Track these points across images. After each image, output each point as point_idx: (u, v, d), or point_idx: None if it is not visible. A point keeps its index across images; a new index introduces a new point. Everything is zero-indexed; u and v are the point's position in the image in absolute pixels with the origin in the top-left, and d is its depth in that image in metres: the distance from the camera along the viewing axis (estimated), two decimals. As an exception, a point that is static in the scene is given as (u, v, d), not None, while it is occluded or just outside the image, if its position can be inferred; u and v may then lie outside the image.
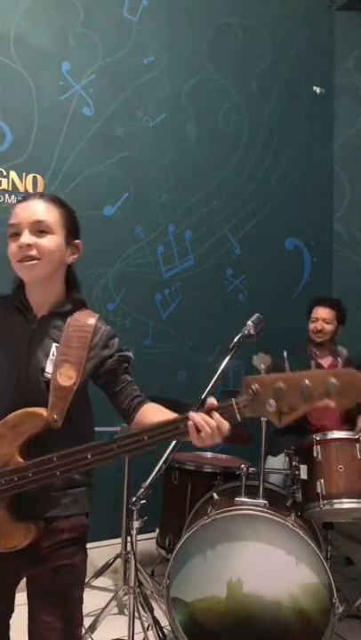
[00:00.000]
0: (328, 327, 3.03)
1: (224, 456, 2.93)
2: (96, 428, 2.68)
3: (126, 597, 2.26)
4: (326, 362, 3.10)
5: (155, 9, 3.22)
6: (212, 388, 2.02)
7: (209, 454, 2.97)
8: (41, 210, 1.35)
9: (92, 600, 2.58)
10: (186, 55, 3.34)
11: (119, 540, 2.71)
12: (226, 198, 3.48)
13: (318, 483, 2.25)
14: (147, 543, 2.88)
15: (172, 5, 3.29)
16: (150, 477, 1.82)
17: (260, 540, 2.05)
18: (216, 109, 3.46)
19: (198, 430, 1.18)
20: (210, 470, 2.61)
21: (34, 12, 2.87)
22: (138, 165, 3.18)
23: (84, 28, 3.01)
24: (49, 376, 1.31)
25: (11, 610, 1.40)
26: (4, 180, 2.79)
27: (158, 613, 2.21)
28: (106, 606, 2.32)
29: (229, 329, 2.16)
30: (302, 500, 2.29)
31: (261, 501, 2.12)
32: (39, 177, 2.88)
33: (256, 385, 1.13)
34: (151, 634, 2.17)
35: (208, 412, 1.19)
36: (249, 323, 2.11)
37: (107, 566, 2.64)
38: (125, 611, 2.45)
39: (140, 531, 1.88)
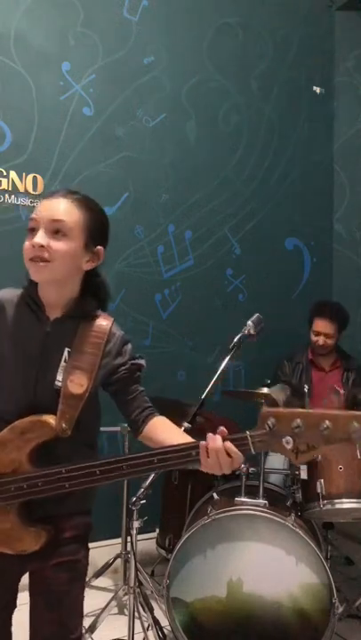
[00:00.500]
0: (330, 341, 3.02)
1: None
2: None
3: (126, 597, 2.26)
4: (327, 364, 3.10)
5: (155, 9, 3.22)
6: (212, 387, 2.02)
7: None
8: (62, 209, 1.28)
9: (92, 600, 2.57)
10: (186, 55, 3.34)
11: (119, 540, 2.71)
12: (226, 198, 3.48)
13: (318, 483, 2.25)
14: (147, 543, 2.88)
15: (171, 5, 3.29)
16: (150, 477, 1.82)
17: (260, 540, 2.05)
18: (216, 109, 3.46)
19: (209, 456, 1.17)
20: (210, 470, 2.61)
21: (34, 12, 2.87)
22: (138, 165, 3.18)
23: (84, 27, 3.01)
24: (60, 383, 1.28)
25: (13, 605, 1.40)
26: (4, 180, 2.79)
27: (158, 613, 2.21)
28: (106, 606, 2.32)
29: (229, 329, 2.16)
30: (302, 500, 2.29)
31: (261, 501, 2.12)
32: (39, 177, 2.88)
33: (273, 419, 1.10)
34: (151, 634, 2.17)
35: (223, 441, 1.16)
36: (249, 323, 2.12)
37: (107, 566, 2.64)
38: (125, 611, 2.45)
39: (140, 531, 1.88)
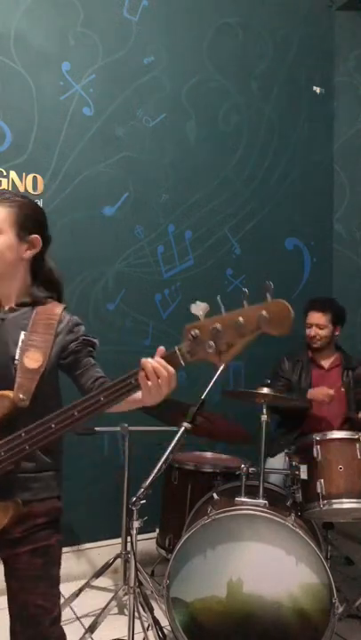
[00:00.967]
0: (322, 332, 3.01)
1: (224, 456, 2.93)
2: (96, 428, 2.69)
3: (126, 597, 2.26)
4: (327, 362, 3.10)
5: (155, 9, 3.22)
6: (213, 387, 2.02)
7: (209, 454, 2.97)
8: None
9: (92, 600, 2.58)
10: (186, 55, 3.34)
11: (119, 540, 2.70)
12: (226, 198, 3.48)
13: (318, 483, 2.25)
14: (147, 543, 2.88)
15: (171, 5, 3.29)
16: (150, 477, 1.81)
17: (260, 540, 2.05)
18: (216, 109, 3.46)
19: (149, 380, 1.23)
20: (210, 470, 2.61)
21: (34, 12, 2.87)
22: (138, 165, 3.18)
23: (84, 27, 3.01)
24: (17, 362, 1.39)
25: None
26: (4, 180, 2.79)
27: (158, 613, 2.21)
28: (106, 606, 2.32)
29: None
30: (302, 500, 2.30)
31: (261, 501, 2.13)
32: (39, 177, 2.88)
33: (196, 330, 1.18)
34: (151, 634, 2.17)
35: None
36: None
37: (107, 566, 2.63)
38: (125, 611, 2.45)
39: (140, 531, 1.88)
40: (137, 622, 2.04)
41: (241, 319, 1.12)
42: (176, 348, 1.23)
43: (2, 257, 1.41)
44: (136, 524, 1.86)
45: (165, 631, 2.16)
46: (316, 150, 3.86)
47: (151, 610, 2.18)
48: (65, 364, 1.47)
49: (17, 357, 1.39)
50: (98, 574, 2.63)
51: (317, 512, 2.26)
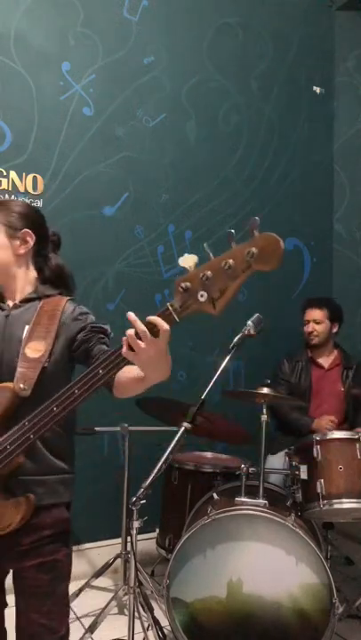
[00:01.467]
0: (319, 327, 3.03)
1: (224, 456, 2.93)
2: (96, 429, 2.68)
3: (126, 597, 2.26)
4: (326, 362, 3.10)
5: (155, 9, 3.22)
6: (213, 387, 2.02)
7: (209, 454, 2.97)
8: None
9: (92, 600, 2.58)
10: (186, 55, 3.34)
11: (119, 540, 2.70)
12: (226, 198, 3.48)
13: (318, 483, 2.24)
14: (147, 543, 2.88)
15: (171, 5, 3.29)
16: (150, 477, 1.81)
17: (260, 540, 2.05)
18: (216, 109, 3.46)
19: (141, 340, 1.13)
20: (210, 470, 2.61)
21: (34, 12, 2.87)
22: (138, 165, 3.18)
23: (84, 27, 3.01)
24: (20, 354, 1.37)
25: (2, 603, 1.44)
26: (4, 180, 2.79)
27: (158, 613, 2.21)
28: (106, 606, 2.32)
29: (229, 329, 2.16)
30: (302, 500, 2.29)
31: (261, 501, 2.12)
32: (39, 177, 2.88)
33: (186, 283, 1.12)
34: (151, 634, 2.17)
35: (148, 323, 1.14)
36: (249, 323, 2.12)
37: (107, 566, 2.64)
38: (125, 611, 2.45)
39: (140, 531, 1.87)
40: (137, 622, 2.04)
41: (231, 261, 1.07)
42: (168, 304, 1.15)
43: None
44: (136, 524, 1.86)
45: (165, 631, 2.16)
46: (316, 150, 3.86)
47: (151, 610, 2.18)
48: (78, 356, 1.43)
49: (20, 350, 1.37)
50: (98, 574, 2.63)
51: (317, 512, 2.26)
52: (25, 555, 1.34)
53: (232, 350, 2.09)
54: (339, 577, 2.81)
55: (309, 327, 3.05)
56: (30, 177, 2.86)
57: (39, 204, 2.86)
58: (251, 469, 2.29)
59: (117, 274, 3.11)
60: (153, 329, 1.13)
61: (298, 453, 2.41)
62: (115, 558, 2.65)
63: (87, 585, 2.58)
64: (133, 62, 3.17)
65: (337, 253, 3.90)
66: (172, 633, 2.10)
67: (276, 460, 2.87)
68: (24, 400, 1.31)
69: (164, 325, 1.12)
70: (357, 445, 2.30)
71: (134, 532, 1.86)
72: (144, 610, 2.19)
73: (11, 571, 1.42)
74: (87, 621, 2.40)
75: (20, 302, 1.47)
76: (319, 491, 2.23)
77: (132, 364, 1.18)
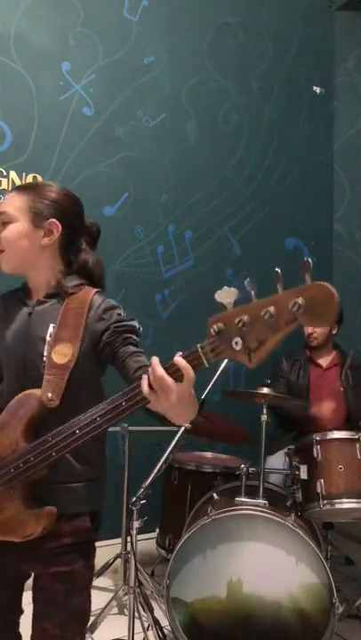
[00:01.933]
0: (319, 329, 3.03)
1: (224, 456, 2.93)
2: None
3: (126, 597, 2.26)
4: (325, 361, 3.10)
5: (155, 9, 3.22)
6: (213, 387, 2.02)
7: (209, 454, 2.97)
8: (4, 202, 1.36)
9: (92, 600, 2.57)
10: (186, 55, 3.34)
11: (119, 540, 2.70)
12: (226, 198, 3.48)
13: (318, 483, 2.24)
14: (147, 543, 2.88)
15: (171, 5, 3.29)
16: (150, 477, 1.82)
17: (260, 540, 2.05)
18: (216, 109, 3.46)
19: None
20: (210, 470, 2.61)
21: (34, 12, 2.87)
22: (138, 165, 3.18)
23: (84, 27, 3.01)
24: (45, 358, 1.28)
25: (17, 608, 1.39)
26: (4, 180, 2.79)
27: (158, 613, 2.21)
28: (106, 606, 2.32)
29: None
30: (302, 500, 2.29)
31: (261, 501, 2.12)
32: (39, 177, 2.88)
33: (219, 324, 1.00)
34: (151, 634, 2.17)
35: (170, 366, 1.06)
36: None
37: (107, 566, 2.63)
38: (125, 611, 2.45)
39: (140, 531, 1.88)
40: (137, 622, 2.05)
41: (273, 309, 0.91)
42: (198, 345, 1.04)
43: (15, 247, 1.33)
44: (136, 524, 1.86)
45: (165, 631, 2.16)
46: (316, 150, 3.86)
47: (151, 610, 2.18)
48: (104, 358, 1.32)
49: (45, 353, 1.28)
50: (98, 574, 2.62)
51: (317, 512, 2.26)
52: (42, 561, 1.29)
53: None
54: (339, 577, 2.80)
55: (309, 329, 3.04)
56: (30, 177, 2.85)
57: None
58: (251, 469, 2.29)
59: (117, 274, 3.11)
60: (176, 372, 1.03)
61: (298, 453, 2.41)
62: (115, 558, 2.65)
63: (87, 585, 2.58)
64: (133, 62, 3.17)
65: (337, 253, 3.90)
66: (172, 633, 2.10)
67: (276, 460, 2.87)
68: (51, 410, 1.24)
69: (190, 373, 1.03)
70: (357, 445, 2.30)
71: (134, 531, 1.86)
72: (144, 610, 2.19)
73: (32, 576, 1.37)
74: (87, 621, 2.39)
75: (44, 298, 1.36)
76: (319, 491, 2.23)
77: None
